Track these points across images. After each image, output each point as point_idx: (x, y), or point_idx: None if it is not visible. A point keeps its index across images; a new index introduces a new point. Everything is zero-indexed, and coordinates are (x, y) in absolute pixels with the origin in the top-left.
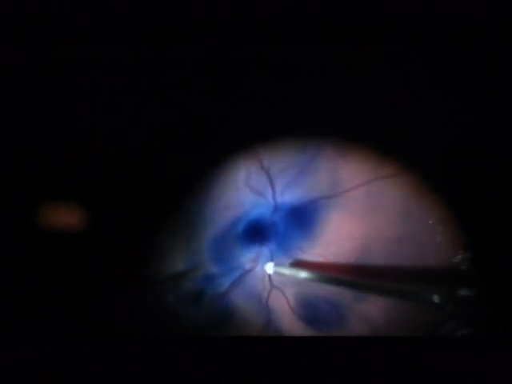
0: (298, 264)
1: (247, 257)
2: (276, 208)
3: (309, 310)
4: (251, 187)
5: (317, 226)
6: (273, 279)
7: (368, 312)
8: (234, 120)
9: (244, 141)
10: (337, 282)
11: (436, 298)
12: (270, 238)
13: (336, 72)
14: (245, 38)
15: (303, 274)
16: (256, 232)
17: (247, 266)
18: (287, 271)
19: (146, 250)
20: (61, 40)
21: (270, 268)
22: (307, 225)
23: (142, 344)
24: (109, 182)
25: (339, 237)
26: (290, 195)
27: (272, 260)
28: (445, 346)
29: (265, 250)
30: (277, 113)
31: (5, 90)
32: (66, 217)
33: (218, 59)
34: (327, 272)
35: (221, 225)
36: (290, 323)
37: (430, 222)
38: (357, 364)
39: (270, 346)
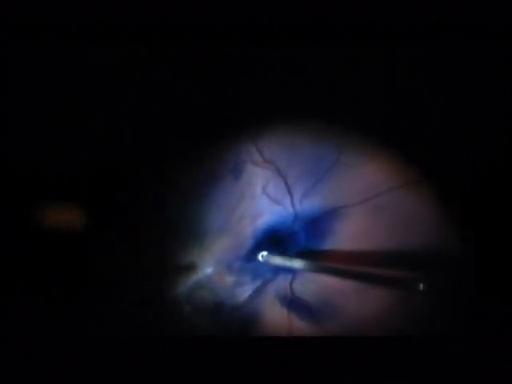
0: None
1: (267, 267)
2: (296, 217)
3: (333, 319)
4: (268, 195)
5: (338, 234)
6: (294, 289)
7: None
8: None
9: (258, 147)
10: (329, 271)
11: (421, 286)
12: (290, 247)
13: (336, 72)
14: (245, 38)
15: (297, 264)
16: (275, 241)
17: (267, 276)
18: (279, 260)
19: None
20: (61, 40)
21: (261, 256)
22: (328, 233)
23: (142, 344)
24: (110, 182)
25: (363, 245)
26: (309, 203)
27: (293, 273)
28: (442, 345)
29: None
30: (289, 116)
31: (5, 89)
32: (65, 217)
33: (219, 59)
34: (326, 262)
35: (238, 234)
36: (312, 333)
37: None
38: (356, 364)
39: (270, 347)
